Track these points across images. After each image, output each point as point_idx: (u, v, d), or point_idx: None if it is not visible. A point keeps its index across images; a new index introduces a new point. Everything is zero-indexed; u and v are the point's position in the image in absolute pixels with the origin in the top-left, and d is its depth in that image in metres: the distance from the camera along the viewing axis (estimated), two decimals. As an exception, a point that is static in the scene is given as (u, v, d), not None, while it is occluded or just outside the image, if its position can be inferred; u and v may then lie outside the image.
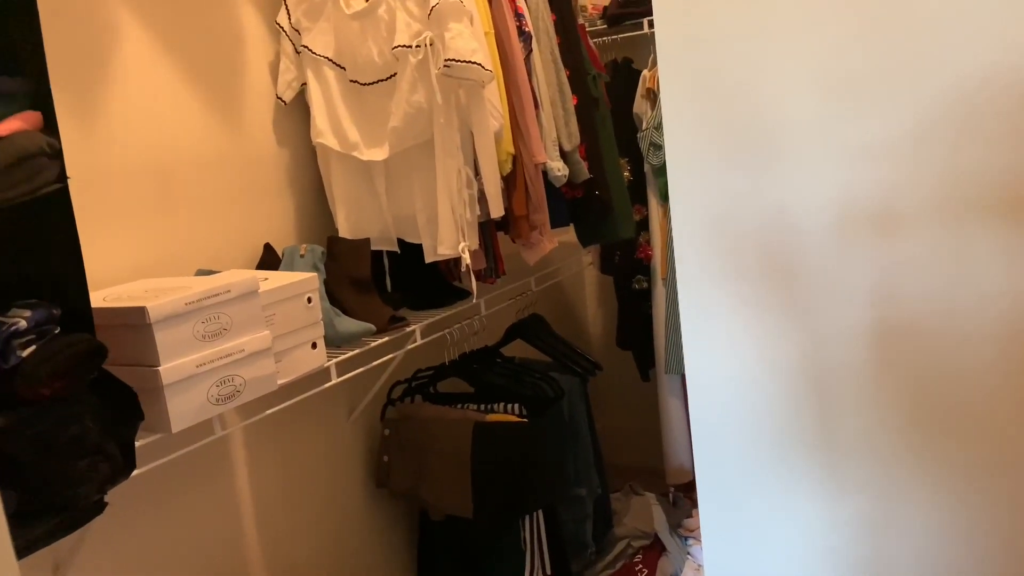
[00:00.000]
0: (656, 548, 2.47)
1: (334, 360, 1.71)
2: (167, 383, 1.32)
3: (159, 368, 1.31)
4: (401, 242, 1.98)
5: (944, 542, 1.38)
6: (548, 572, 2.07)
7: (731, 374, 1.52)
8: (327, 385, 1.70)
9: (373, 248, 1.93)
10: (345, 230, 1.96)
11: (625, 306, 2.90)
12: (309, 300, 1.62)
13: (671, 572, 2.42)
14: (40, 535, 1.00)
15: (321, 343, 1.65)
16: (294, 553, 1.95)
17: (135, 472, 1.32)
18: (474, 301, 2.04)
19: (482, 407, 2.10)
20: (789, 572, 1.56)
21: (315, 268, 1.80)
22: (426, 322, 1.96)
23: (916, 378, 1.35)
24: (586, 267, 3.05)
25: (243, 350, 1.44)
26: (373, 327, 1.77)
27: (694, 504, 2.67)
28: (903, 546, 1.42)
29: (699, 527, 2.58)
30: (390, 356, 1.90)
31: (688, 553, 2.46)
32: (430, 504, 2.09)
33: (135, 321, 1.31)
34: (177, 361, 1.34)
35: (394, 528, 2.26)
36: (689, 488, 2.88)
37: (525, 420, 2.00)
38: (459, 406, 2.12)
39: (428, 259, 1.91)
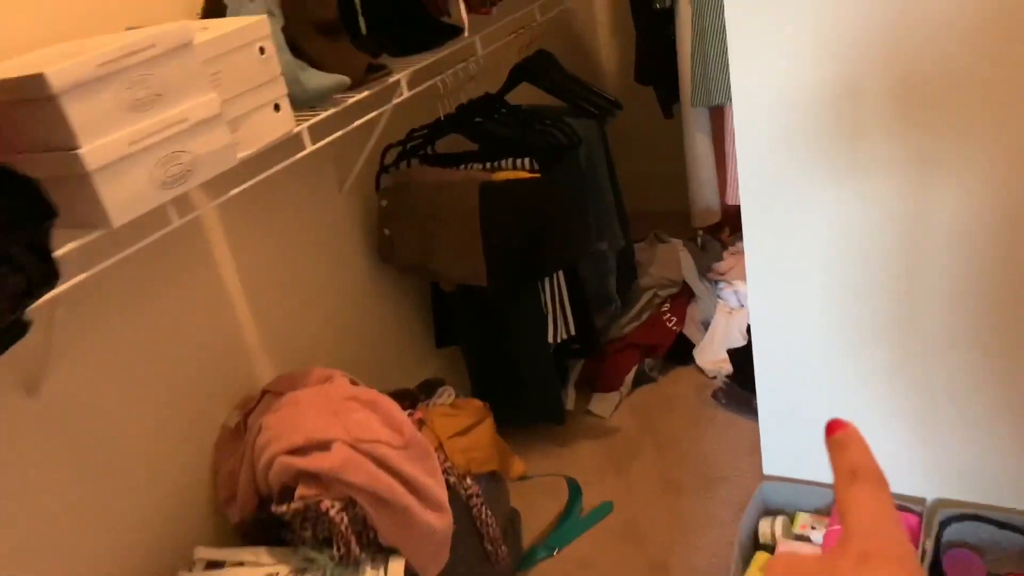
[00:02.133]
0: (685, 295, 2.34)
1: (305, 123, 1.43)
2: (94, 168, 1.07)
3: (79, 151, 1.05)
4: (370, -30, 1.62)
5: (976, 204, 1.20)
6: (572, 332, 1.94)
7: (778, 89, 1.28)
8: (300, 155, 1.45)
9: (337, -20, 1.58)
10: (300, -40, 1.59)
11: (644, 31, 2.52)
12: (262, 50, 1.32)
13: (701, 318, 2.30)
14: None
15: (285, 103, 1.37)
16: (299, 334, 1.81)
17: (84, 277, 1.12)
18: (466, 37, 1.71)
19: (488, 165, 1.85)
20: (826, 255, 1.40)
21: (269, 13, 1.46)
22: (412, 69, 1.65)
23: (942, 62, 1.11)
24: (596, -11, 2.63)
25: (186, 119, 1.17)
26: (347, 79, 1.48)
27: (724, 246, 2.50)
28: (939, 212, 1.24)
29: (730, 269, 2.42)
30: (375, 113, 1.62)
31: (719, 297, 2.33)
32: (440, 275, 1.92)
33: (35, 94, 1.03)
34: (103, 140, 1.08)
35: (405, 301, 2.12)
36: (717, 229, 2.70)
37: (537, 175, 1.76)
38: (463, 166, 1.88)
39: (405, -11, 1.57)
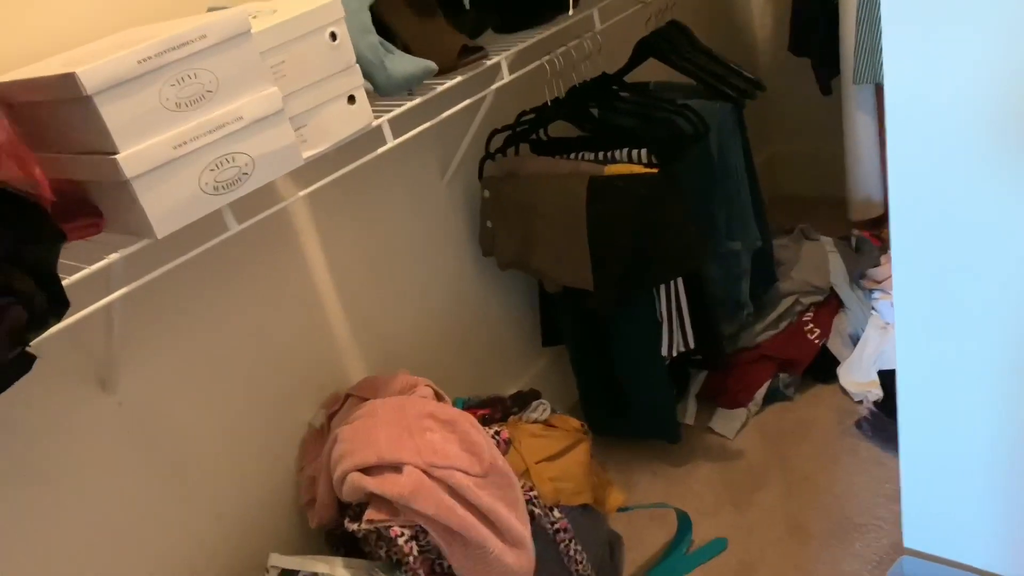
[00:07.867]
0: (831, 304, 2.04)
1: (385, 116, 1.30)
2: (132, 175, 0.98)
3: (118, 156, 0.97)
4: (470, -62, 1.45)
5: None
6: (690, 346, 1.72)
7: (942, 82, 0.99)
8: (381, 150, 1.32)
9: (432, -49, 1.42)
10: (393, -71, 1.45)
11: (801, -3, 2.20)
12: (333, 36, 1.19)
13: (849, 331, 2.00)
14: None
15: (361, 95, 1.24)
16: (393, 330, 1.71)
17: (128, 290, 1.05)
18: (572, 12, 1.51)
19: (601, 155, 1.65)
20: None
21: (356, -12, 1.33)
22: (515, 49, 1.47)
23: None
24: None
25: (241, 117, 1.06)
26: (433, 65, 1.32)
27: (884, 247, 2.16)
28: None
29: (888, 277, 2.09)
30: (468, 101, 1.45)
31: (873, 309, 2.01)
32: (543, 275, 1.75)
33: (70, 94, 0.95)
34: (144, 143, 0.99)
35: (510, 296, 1.97)
36: (877, 224, 2.35)
37: (653, 170, 1.54)
38: (572, 155, 1.68)
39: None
